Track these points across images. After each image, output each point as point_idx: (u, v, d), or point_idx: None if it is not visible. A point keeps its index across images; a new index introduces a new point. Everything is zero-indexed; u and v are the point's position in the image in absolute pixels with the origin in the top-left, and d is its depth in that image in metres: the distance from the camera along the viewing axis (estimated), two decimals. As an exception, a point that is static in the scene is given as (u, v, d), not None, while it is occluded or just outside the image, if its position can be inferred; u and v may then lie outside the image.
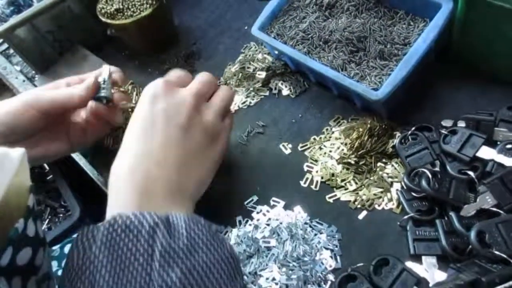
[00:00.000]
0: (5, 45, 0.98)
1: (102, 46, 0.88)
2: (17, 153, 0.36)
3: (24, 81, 0.88)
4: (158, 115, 0.45)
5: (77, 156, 0.77)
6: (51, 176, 1.34)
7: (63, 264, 0.75)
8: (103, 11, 0.77)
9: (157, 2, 0.76)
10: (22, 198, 0.38)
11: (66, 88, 0.56)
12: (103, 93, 0.56)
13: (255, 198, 0.62)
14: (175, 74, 0.52)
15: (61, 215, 1.28)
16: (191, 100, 0.48)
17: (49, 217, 1.33)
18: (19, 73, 0.91)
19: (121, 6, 0.76)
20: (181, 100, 0.47)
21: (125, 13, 0.76)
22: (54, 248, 0.78)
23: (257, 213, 0.60)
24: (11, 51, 0.96)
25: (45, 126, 0.56)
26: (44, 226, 1.26)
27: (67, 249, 0.78)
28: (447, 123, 0.60)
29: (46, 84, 0.57)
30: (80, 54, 0.85)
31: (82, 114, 0.59)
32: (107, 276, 0.36)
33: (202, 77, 0.52)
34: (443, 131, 0.58)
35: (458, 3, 0.57)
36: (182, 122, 0.46)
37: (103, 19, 0.77)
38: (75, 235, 0.82)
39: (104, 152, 0.71)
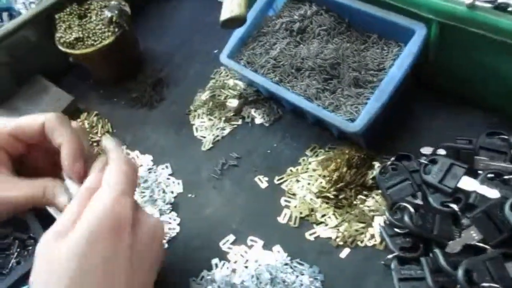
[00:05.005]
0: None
1: (64, 75, 0.84)
2: None
3: (-21, 115, 0.82)
4: (122, 257, 0.34)
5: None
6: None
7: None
8: (61, 40, 0.72)
9: (120, 29, 0.72)
10: None
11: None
12: None
13: (231, 238, 0.58)
14: (130, 178, 0.38)
15: (30, 247, 1.22)
16: (163, 232, 0.39)
17: (18, 250, 1.26)
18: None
19: (80, 35, 0.71)
20: (153, 232, 0.37)
21: (86, 42, 0.71)
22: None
23: (234, 254, 0.57)
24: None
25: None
26: (13, 261, 1.19)
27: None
28: (427, 150, 0.58)
29: None
30: (39, 85, 0.79)
31: None
32: None
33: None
34: (423, 160, 0.56)
35: (431, 29, 0.55)
36: (152, 261, 0.37)
37: (63, 49, 0.73)
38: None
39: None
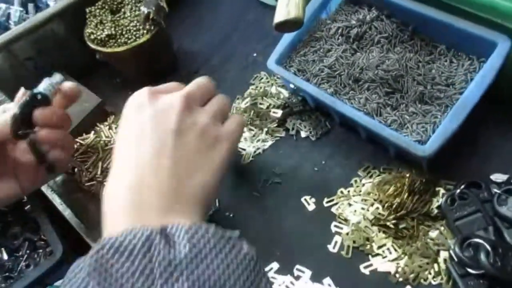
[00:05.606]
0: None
1: (90, 73, 0.78)
2: None
3: (-1, 112, 0.77)
4: (145, 123, 0.43)
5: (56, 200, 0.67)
6: (29, 206, 1.22)
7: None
8: (92, 37, 0.67)
9: (156, 27, 0.66)
10: None
11: None
12: (41, 88, 0.52)
13: (275, 266, 0.53)
14: (163, 85, 0.50)
15: (40, 250, 1.16)
16: (180, 102, 0.44)
17: (28, 252, 1.21)
18: (-6, 102, 0.80)
19: (113, 32, 0.66)
20: (169, 104, 0.44)
21: (118, 40, 0.66)
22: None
23: (279, 285, 0.51)
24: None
25: None
26: (22, 264, 1.14)
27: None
28: (498, 177, 0.52)
29: None
30: (64, 82, 0.74)
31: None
32: None
33: (198, 81, 0.49)
34: (496, 190, 0.49)
35: (515, 41, 0.49)
36: (172, 127, 0.43)
37: (92, 46, 0.67)
38: (57, 283, 0.72)
39: (76, 190, 0.67)
